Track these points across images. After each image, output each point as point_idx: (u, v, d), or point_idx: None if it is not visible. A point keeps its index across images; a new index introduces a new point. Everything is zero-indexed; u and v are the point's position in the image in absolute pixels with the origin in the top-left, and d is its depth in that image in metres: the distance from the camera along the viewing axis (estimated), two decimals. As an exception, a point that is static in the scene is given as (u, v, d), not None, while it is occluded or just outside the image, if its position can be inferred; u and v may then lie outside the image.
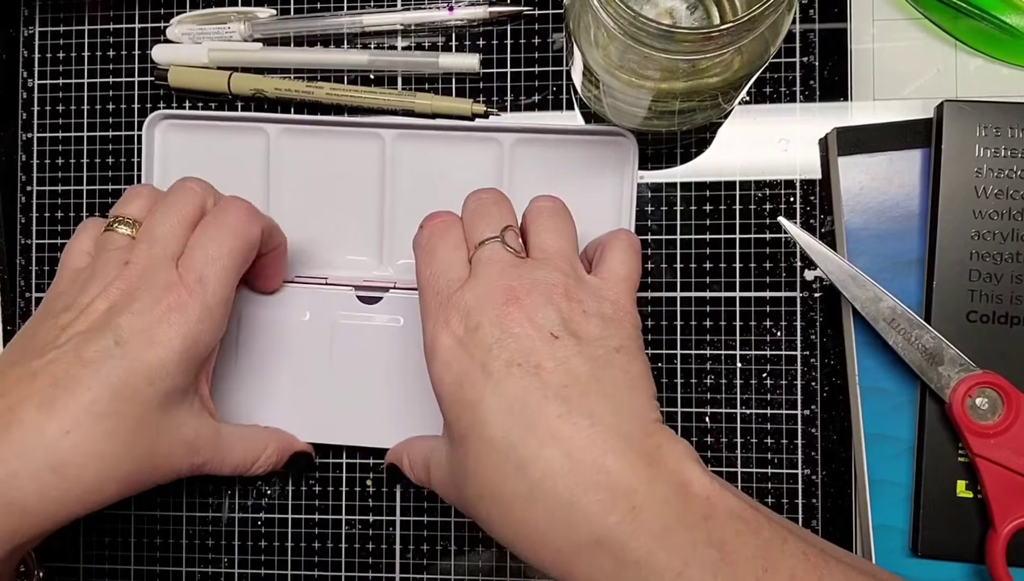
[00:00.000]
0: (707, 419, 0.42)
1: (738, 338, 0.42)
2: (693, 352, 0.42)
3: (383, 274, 0.43)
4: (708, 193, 0.42)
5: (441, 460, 0.35)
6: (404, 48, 0.44)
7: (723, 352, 0.42)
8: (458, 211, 0.37)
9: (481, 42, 0.43)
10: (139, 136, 0.44)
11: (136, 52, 0.45)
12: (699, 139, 0.43)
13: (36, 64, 0.45)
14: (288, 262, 0.43)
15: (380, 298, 0.42)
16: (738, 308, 0.42)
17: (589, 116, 0.43)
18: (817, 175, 0.42)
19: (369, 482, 0.43)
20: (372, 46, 0.44)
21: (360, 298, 0.42)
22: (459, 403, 0.32)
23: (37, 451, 0.33)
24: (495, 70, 0.43)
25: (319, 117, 0.43)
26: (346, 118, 0.43)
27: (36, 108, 0.45)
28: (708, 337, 0.42)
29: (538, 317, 0.32)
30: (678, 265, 0.43)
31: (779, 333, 0.42)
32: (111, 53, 0.45)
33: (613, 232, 0.38)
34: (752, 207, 0.42)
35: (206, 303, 0.35)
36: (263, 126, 0.43)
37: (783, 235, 0.42)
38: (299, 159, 0.43)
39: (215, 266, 0.36)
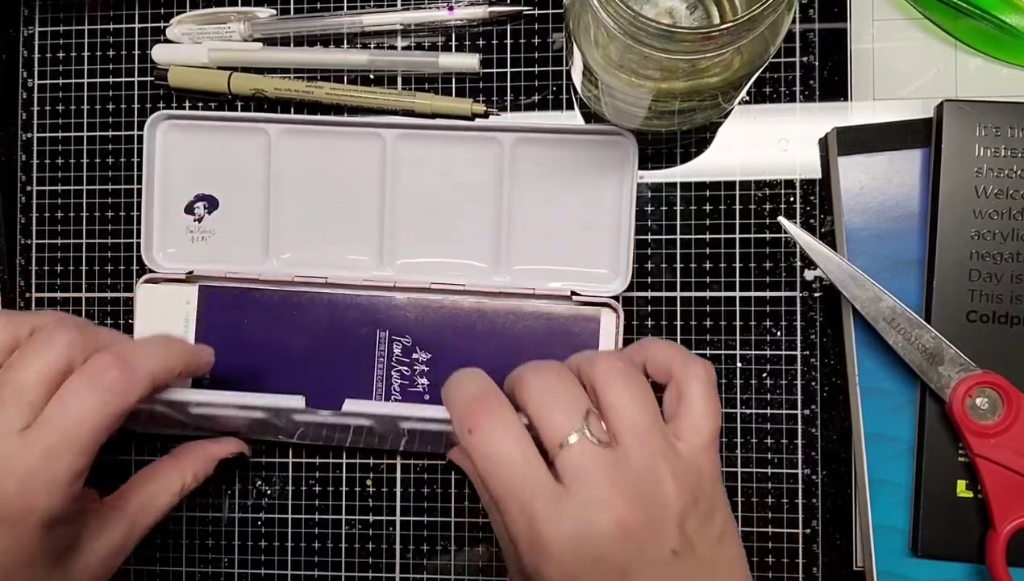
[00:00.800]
0: (707, 419, 0.42)
1: (738, 338, 0.42)
2: (693, 352, 0.42)
3: (383, 274, 0.43)
4: (708, 193, 0.42)
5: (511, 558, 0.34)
6: (404, 48, 0.44)
7: (723, 352, 0.42)
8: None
9: (481, 42, 0.43)
10: (139, 136, 0.44)
11: (136, 52, 0.45)
12: (699, 139, 0.43)
13: (36, 64, 0.45)
14: (293, 262, 0.43)
15: (332, 408, 0.38)
16: (738, 308, 0.42)
17: (589, 116, 0.43)
18: (817, 175, 0.42)
19: (369, 482, 0.43)
20: (372, 46, 0.44)
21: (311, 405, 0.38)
22: None
23: None
24: (495, 70, 0.43)
25: (320, 117, 0.43)
26: (347, 118, 0.43)
27: (36, 108, 0.45)
28: (708, 337, 0.42)
29: (659, 535, 0.30)
30: (678, 265, 0.42)
31: (779, 333, 0.42)
32: (111, 53, 0.45)
33: (686, 360, 0.33)
34: (752, 207, 0.42)
35: (57, 480, 0.32)
36: (264, 126, 0.43)
37: (783, 235, 0.42)
38: (300, 159, 0.43)
39: (69, 450, 0.32)
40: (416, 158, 0.42)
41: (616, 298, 0.41)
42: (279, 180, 0.43)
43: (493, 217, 0.42)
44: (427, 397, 0.42)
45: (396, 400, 0.42)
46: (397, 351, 0.42)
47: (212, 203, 0.44)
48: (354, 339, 0.43)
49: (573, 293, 0.41)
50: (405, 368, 0.42)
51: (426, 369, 0.42)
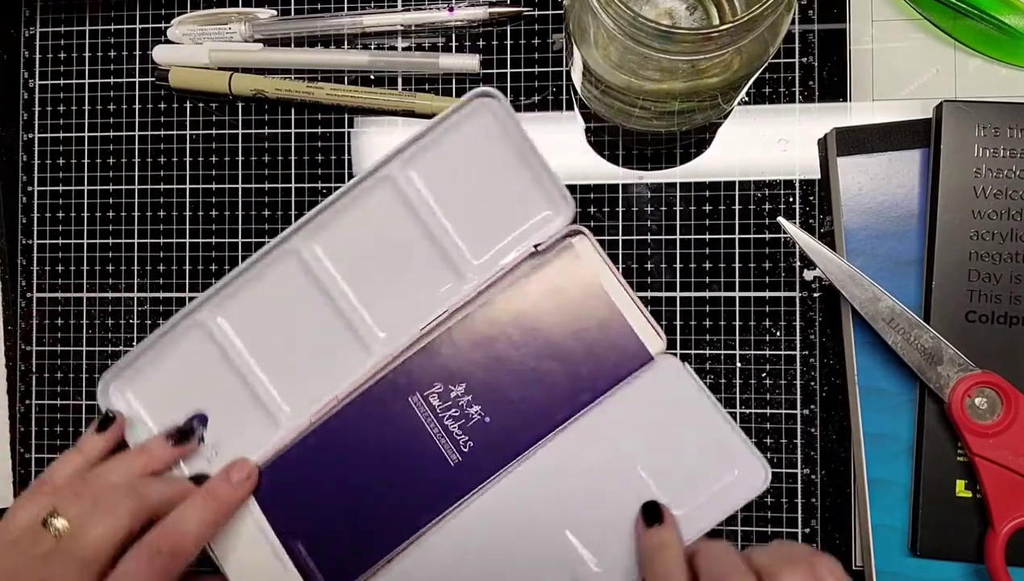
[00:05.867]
0: (707, 419, 0.42)
1: (738, 338, 0.42)
2: (693, 352, 0.42)
3: (377, 355, 0.42)
4: (708, 193, 0.43)
5: None
6: (404, 49, 0.44)
7: (723, 352, 0.42)
8: None
9: (481, 42, 0.43)
10: (140, 136, 0.44)
11: (137, 53, 0.45)
12: (699, 139, 0.43)
13: (37, 64, 0.45)
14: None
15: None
16: (738, 308, 0.42)
17: (589, 116, 0.43)
18: (816, 175, 0.42)
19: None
20: (372, 46, 0.44)
21: None
22: None
23: None
24: (495, 71, 0.43)
25: (230, 276, 0.42)
26: (252, 255, 0.41)
27: (37, 108, 0.45)
28: (708, 337, 0.42)
29: None
30: (678, 265, 0.43)
31: (779, 333, 0.42)
32: (112, 54, 0.45)
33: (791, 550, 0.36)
34: (752, 207, 0.42)
35: None
36: (197, 318, 0.42)
37: (782, 235, 0.42)
38: (244, 325, 0.43)
39: None
40: (332, 247, 0.42)
41: (575, 222, 0.41)
42: (240, 357, 0.43)
43: (425, 240, 0.42)
44: (487, 420, 0.42)
45: (468, 443, 0.42)
46: (436, 403, 0.42)
47: (203, 420, 0.43)
48: (397, 422, 0.42)
49: (536, 246, 0.41)
50: (453, 411, 0.42)
51: (469, 398, 0.42)
